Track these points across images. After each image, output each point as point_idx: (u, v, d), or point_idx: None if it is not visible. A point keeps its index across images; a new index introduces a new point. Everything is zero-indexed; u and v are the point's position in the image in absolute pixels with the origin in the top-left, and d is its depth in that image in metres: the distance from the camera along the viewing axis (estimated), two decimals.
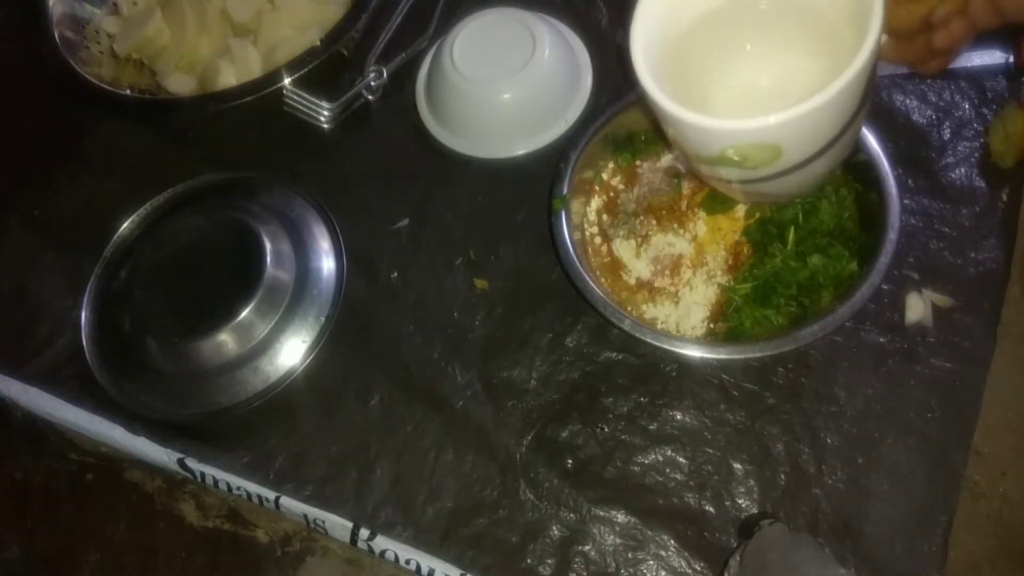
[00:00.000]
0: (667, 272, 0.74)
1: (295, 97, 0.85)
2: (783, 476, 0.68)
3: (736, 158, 0.53)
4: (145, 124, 0.93)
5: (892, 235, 0.66)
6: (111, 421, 0.77)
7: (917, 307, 0.71)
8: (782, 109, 0.48)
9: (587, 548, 0.68)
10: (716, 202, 0.75)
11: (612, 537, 0.68)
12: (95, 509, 0.80)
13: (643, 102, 0.55)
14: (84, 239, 0.85)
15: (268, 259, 0.74)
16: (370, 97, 0.88)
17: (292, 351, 0.74)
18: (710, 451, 0.69)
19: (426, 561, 0.68)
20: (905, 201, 0.75)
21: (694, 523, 0.67)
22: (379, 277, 0.80)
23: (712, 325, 0.72)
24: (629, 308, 0.73)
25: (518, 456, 0.71)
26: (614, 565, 0.67)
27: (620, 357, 0.73)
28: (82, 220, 0.89)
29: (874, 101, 0.80)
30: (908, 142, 0.78)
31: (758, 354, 0.66)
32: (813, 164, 0.55)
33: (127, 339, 0.76)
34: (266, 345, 0.73)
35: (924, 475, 0.66)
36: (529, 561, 0.68)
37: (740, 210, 0.75)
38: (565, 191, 0.74)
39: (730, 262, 0.74)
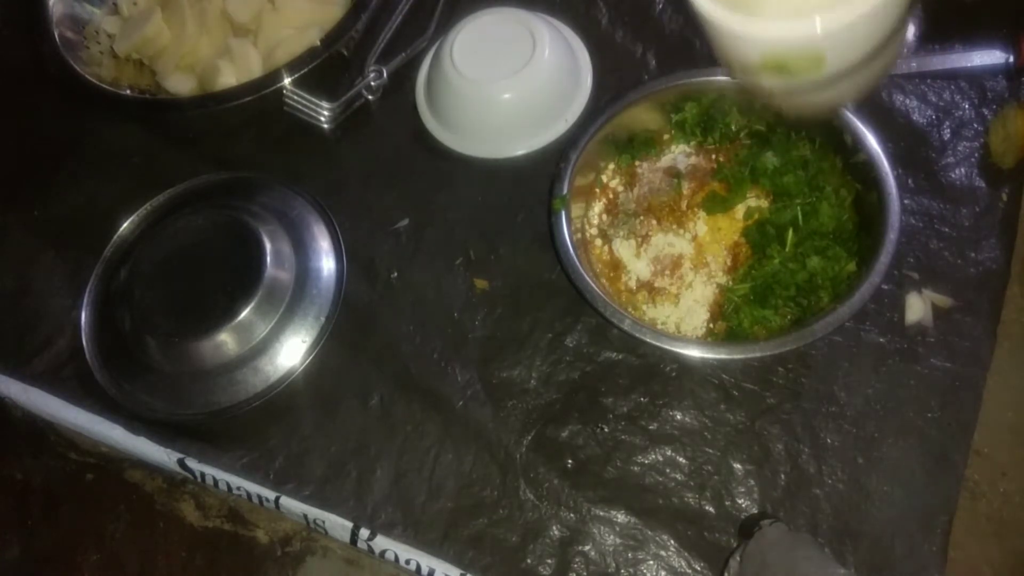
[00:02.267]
0: (667, 272, 0.74)
1: (295, 97, 0.84)
2: (783, 476, 0.68)
3: (777, 65, 0.52)
4: (145, 124, 0.93)
5: (892, 235, 0.66)
6: (111, 421, 0.77)
7: (917, 307, 0.71)
8: (826, 9, 0.45)
9: (587, 548, 0.68)
10: (716, 202, 0.75)
11: (612, 537, 0.68)
12: (95, 509, 0.80)
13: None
14: (84, 239, 0.85)
15: (268, 259, 0.74)
16: (370, 97, 0.88)
17: (292, 351, 0.74)
18: (710, 451, 0.69)
19: (426, 561, 0.68)
20: (905, 201, 0.75)
21: (694, 523, 0.67)
22: (379, 277, 0.80)
23: (712, 325, 0.72)
24: (629, 308, 0.73)
25: (518, 456, 0.71)
26: (614, 565, 0.67)
27: (620, 357, 0.73)
28: (82, 220, 0.89)
29: (874, 101, 0.80)
30: (908, 142, 0.78)
31: (758, 354, 0.66)
32: (858, 73, 0.53)
33: (127, 339, 0.76)
34: (266, 345, 0.73)
35: (924, 475, 0.66)
36: (529, 561, 0.68)
37: (740, 210, 0.75)
38: (565, 191, 0.74)
39: (730, 263, 0.74)
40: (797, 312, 0.69)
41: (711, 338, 0.71)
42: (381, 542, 0.70)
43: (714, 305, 0.72)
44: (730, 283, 0.72)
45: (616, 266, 0.76)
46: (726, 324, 0.71)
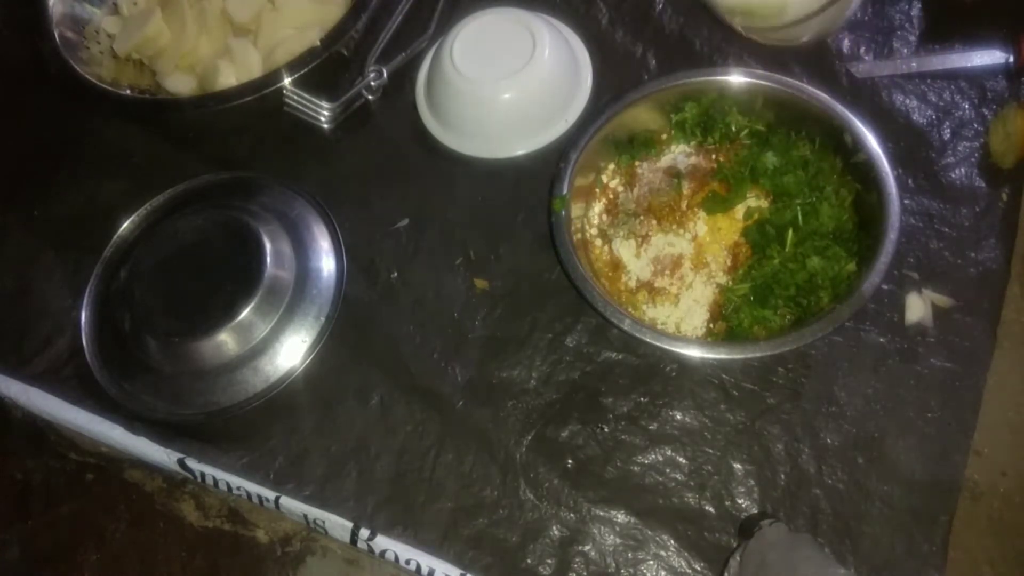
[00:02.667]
0: (667, 272, 0.74)
1: (295, 97, 0.84)
2: (783, 476, 0.68)
3: (746, 12, 0.65)
4: (145, 124, 0.93)
5: (892, 235, 0.66)
6: (111, 421, 0.77)
7: (917, 307, 0.71)
8: None
9: (587, 548, 0.68)
10: (716, 202, 0.75)
11: (612, 537, 0.68)
12: (95, 509, 0.80)
13: None
14: (84, 239, 0.85)
15: (268, 259, 0.74)
16: (370, 97, 0.88)
17: (292, 351, 0.74)
18: (710, 451, 0.69)
19: (426, 561, 0.68)
20: (905, 201, 0.75)
21: (694, 523, 0.67)
22: (379, 277, 0.80)
23: (712, 325, 0.72)
24: (629, 308, 0.73)
25: (518, 456, 0.71)
26: (614, 565, 0.67)
27: (620, 357, 0.73)
28: (82, 220, 0.89)
29: (874, 101, 0.80)
30: (908, 142, 0.78)
31: (758, 354, 0.66)
32: (817, 18, 0.64)
33: (127, 339, 0.76)
34: (266, 345, 0.73)
35: (924, 475, 0.66)
36: (529, 561, 0.68)
37: (740, 210, 0.75)
38: (565, 191, 0.74)
39: (730, 263, 0.74)
40: (797, 312, 0.69)
41: (711, 338, 0.71)
42: (381, 542, 0.70)
43: (714, 305, 0.72)
44: (730, 283, 0.72)
45: (616, 266, 0.76)
46: (726, 324, 0.71)
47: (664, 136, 0.80)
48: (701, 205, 0.75)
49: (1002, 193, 0.75)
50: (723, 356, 0.67)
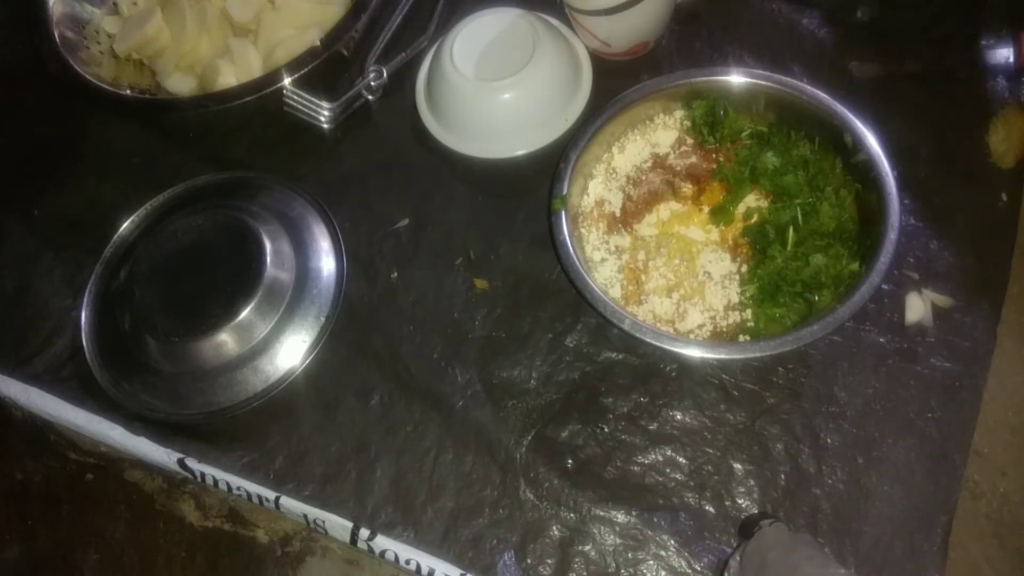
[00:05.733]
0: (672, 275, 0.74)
1: (295, 97, 0.84)
2: (783, 476, 0.68)
3: None
4: (145, 124, 0.93)
5: (892, 235, 0.66)
6: (111, 421, 0.77)
7: (917, 307, 0.71)
8: None
9: (587, 548, 0.68)
10: (721, 214, 0.74)
11: (612, 537, 0.68)
12: (95, 509, 0.80)
13: None
14: (84, 239, 0.85)
15: (268, 259, 0.74)
16: (370, 97, 0.88)
17: (292, 351, 0.74)
18: (710, 451, 0.69)
19: (426, 561, 0.68)
20: (905, 201, 0.75)
21: (694, 523, 0.67)
22: (379, 277, 0.80)
23: (719, 327, 0.72)
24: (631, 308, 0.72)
25: (518, 456, 0.71)
26: (614, 565, 0.67)
27: (620, 357, 0.73)
28: (82, 220, 0.89)
29: (874, 101, 0.80)
30: (908, 142, 0.78)
31: (758, 354, 0.66)
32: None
33: (127, 339, 0.76)
34: (266, 345, 0.73)
35: (924, 475, 0.66)
36: (529, 561, 0.68)
37: (739, 210, 0.75)
38: (565, 191, 0.74)
39: (733, 264, 0.73)
40: (805, 308, 0.69)
41: (713, 338, 0.71)
42: (381, 542, 0.70)
43: (722, 307, 0.72)
44: (737, 284, 0.72)
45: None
46: (737, 324, 0.70)
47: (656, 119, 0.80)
48: (709, 215, 0.75)
49: (1002, 193, 0.75)
50: (723, 356, 0.67)
